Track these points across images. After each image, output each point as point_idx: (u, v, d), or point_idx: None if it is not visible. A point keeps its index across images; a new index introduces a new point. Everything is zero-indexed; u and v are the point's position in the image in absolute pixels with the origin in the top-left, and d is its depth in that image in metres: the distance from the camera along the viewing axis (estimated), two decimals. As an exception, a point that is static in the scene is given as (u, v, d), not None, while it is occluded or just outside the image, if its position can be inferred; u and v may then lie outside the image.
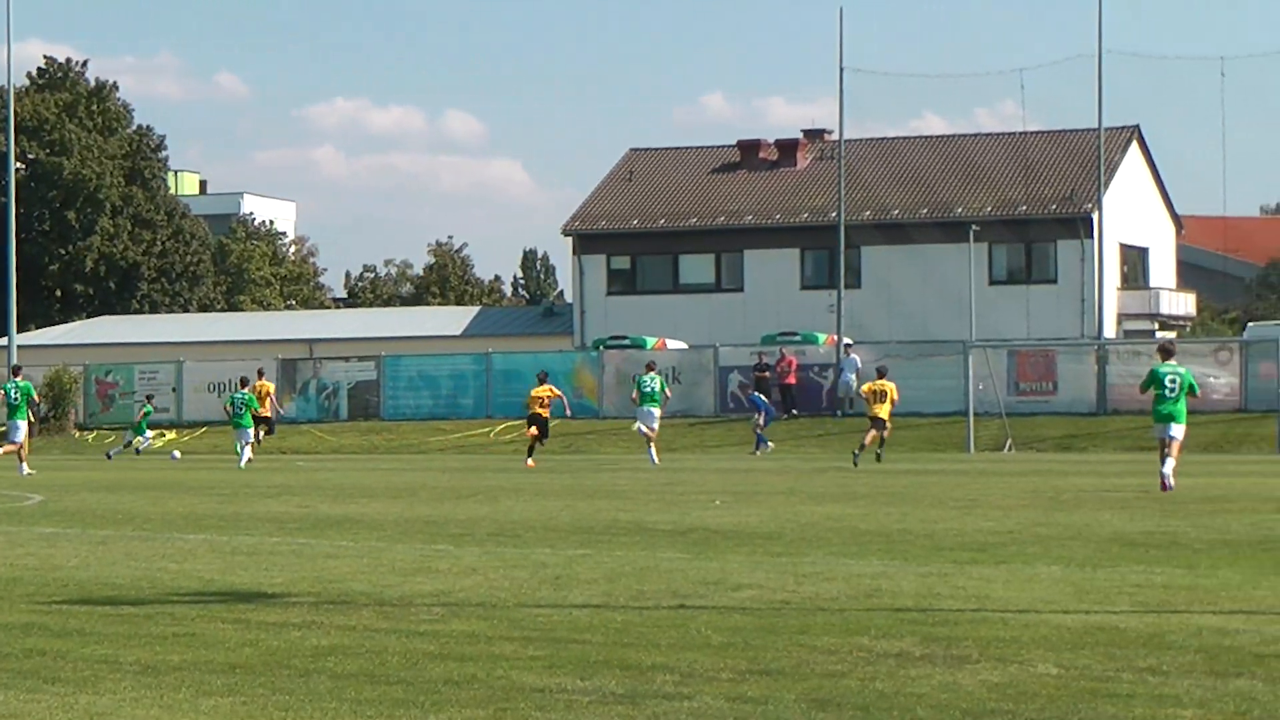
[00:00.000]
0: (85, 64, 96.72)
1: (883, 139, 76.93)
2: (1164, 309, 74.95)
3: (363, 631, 11.25)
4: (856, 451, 38.52)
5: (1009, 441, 48.64)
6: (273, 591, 13.55)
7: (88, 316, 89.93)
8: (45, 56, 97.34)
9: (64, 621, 11.93)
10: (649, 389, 41.29)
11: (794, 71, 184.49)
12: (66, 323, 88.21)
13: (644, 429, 41.23)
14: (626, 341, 62.22)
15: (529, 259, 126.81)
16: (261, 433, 48.47)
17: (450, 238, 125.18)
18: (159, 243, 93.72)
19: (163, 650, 10.48)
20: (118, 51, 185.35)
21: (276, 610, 12.39)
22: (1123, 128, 72.38)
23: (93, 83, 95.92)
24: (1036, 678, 9.13)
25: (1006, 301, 68.24)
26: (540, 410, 41.29)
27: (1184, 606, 12.00)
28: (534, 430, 41.40)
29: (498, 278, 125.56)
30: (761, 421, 47.33)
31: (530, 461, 40.48)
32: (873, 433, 39.22)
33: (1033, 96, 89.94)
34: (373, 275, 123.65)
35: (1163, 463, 25.68)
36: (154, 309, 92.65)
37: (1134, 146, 75.13)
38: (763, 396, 48.68)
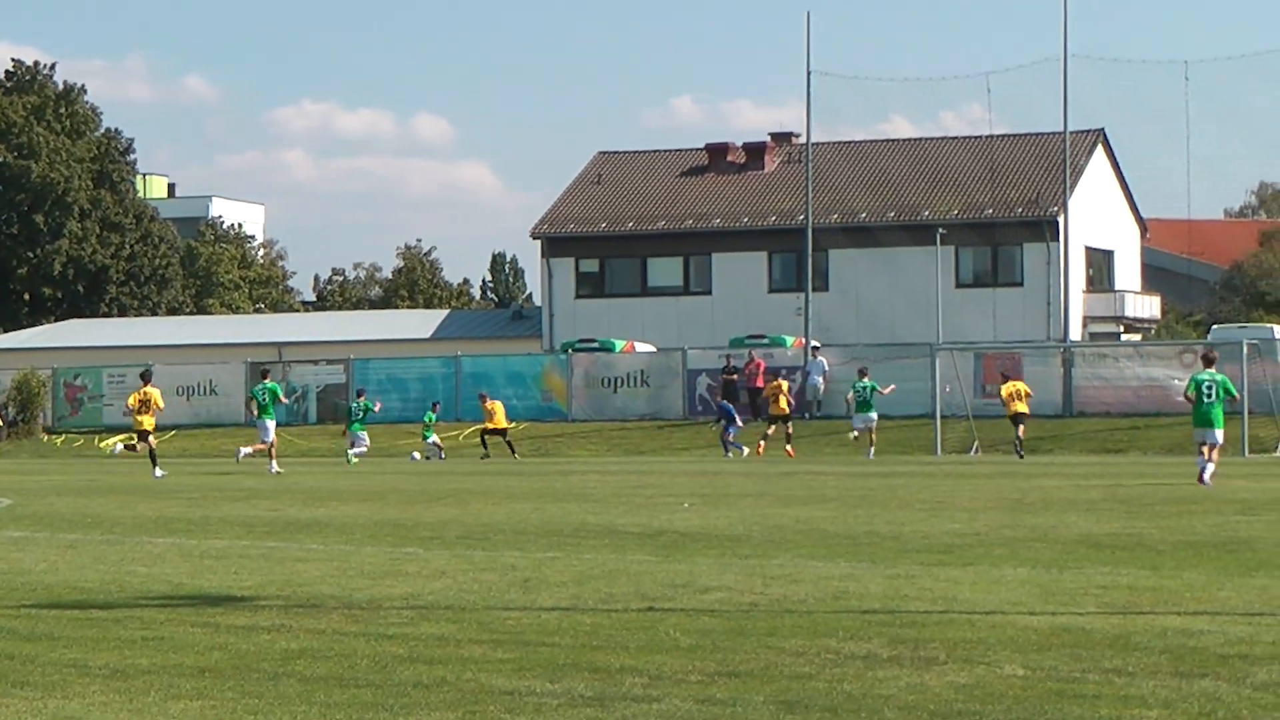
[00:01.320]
0: (53, 66, 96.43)
1: (850, 142, 76.95)
2: (1129, 312, 75.15)
3: (332, 635, 11.26)
4: (1019, 454, 43.58)
5: (976, 444, 48.77)
6: (242, 595, 13.56)
7: (56, 319, 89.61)
8: (13, 59, 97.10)
9: (32, 626, 11.92)
10: (863, 396, 45.96)
11: (762, 75, 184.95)
12: (35, 325, 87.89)
13: (858, 430, 46.26)
14: (595, 344, 62.22)
15: (498, 262, 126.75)
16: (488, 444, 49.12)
17: (419, 241, 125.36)
18: (127, 246, 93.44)
19: (131, 654, 10.48)
20: (86, 54, 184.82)
21: (245, 614, 12.40)
22: (1088, 131, 72.52)
23: (61, 85, 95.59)
24: (1003, 679, 9.19)
25: (973, 304, 68.35)
26: (781, 409, 46.46)
27: (1149, 608, 12.07)
28: (772, 429, 46.32)
29: (466, 281, 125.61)
30: (728, 430, 47.35)
31: (790, 448, 46.13)
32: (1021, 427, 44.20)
33: (999, 100, 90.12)
34: (341, 278, 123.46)
35: (1201, 463, 28.36)
36: (123, 312, 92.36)
37: (1099, 150, 75.30)
38: (730, 404, 48.70)
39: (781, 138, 78.39)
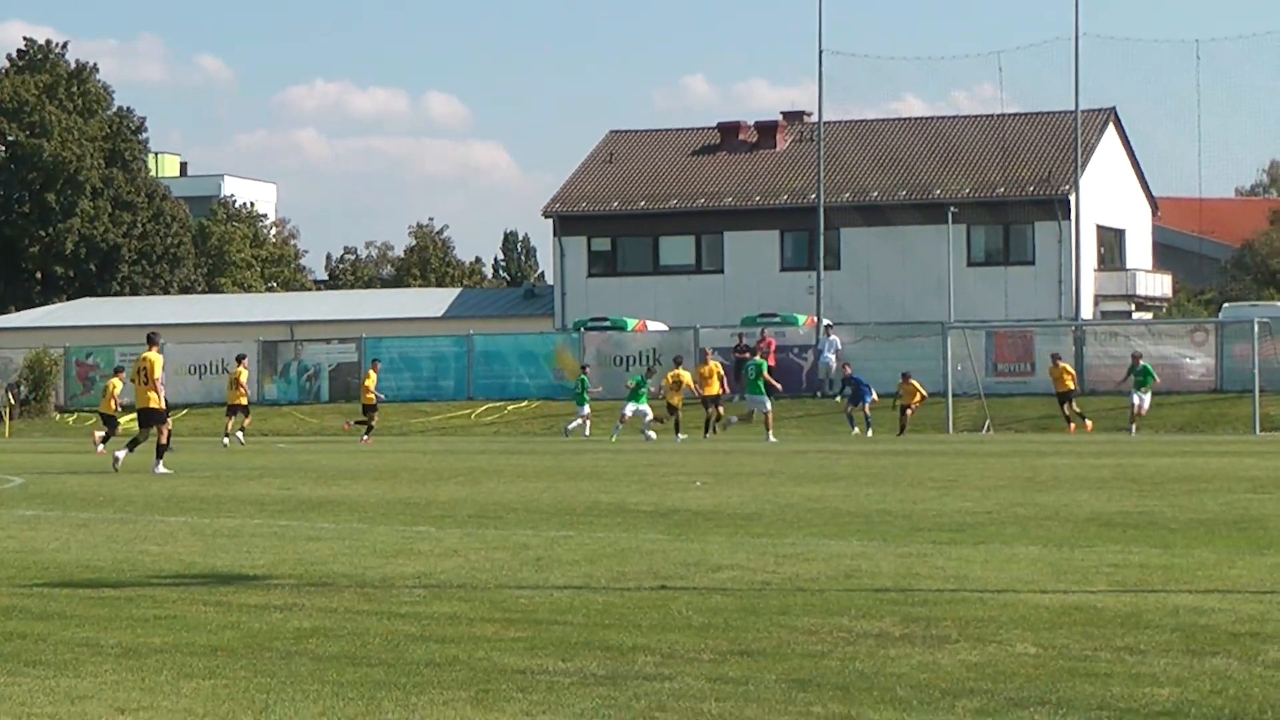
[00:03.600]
0: (65, 46, 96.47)
1: (862, 121, 76.86)
2: (1140, 290, 75.09)
3: (344, 614, 11.27)
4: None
5: (988, 422, 48.75)
6: (254, 574, 13.57)
7: (68, 298, 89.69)
8: (25, 38, 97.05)
9: (45, 604, 11.94)
10: (1141, 376, 47.07)
11: (774, 54, 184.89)
12: (47, 304, 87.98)
13: (1137, 406, 47.16)
14: (607, 323, 62.23)
15: (510, 241, 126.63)
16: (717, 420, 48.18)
17: (431, 219, 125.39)
18: (139, 225, 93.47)
19: (144, 633, 10.50)
20: (99, 34, 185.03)
21: (258, 593, 12.41)
22: (1099, 110, 72.44)
23: (73, 64, 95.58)
24: (1015, 657, 9.19)
25: (984, 283, 68.30)
26: (1067, 386, 47.61)
27: (1160, 586, 12.06)
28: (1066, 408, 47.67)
29: (478, 259, 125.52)
30: (862, 404, 47.49)
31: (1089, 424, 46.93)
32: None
33: (1010, 79, 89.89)
34: (354, 257, 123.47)
35: None
36: (135, 291, 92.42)
37: (1110, 129, 75.21)
38: (861, 378, 48.64)
39: (793, 116, 78.30)
